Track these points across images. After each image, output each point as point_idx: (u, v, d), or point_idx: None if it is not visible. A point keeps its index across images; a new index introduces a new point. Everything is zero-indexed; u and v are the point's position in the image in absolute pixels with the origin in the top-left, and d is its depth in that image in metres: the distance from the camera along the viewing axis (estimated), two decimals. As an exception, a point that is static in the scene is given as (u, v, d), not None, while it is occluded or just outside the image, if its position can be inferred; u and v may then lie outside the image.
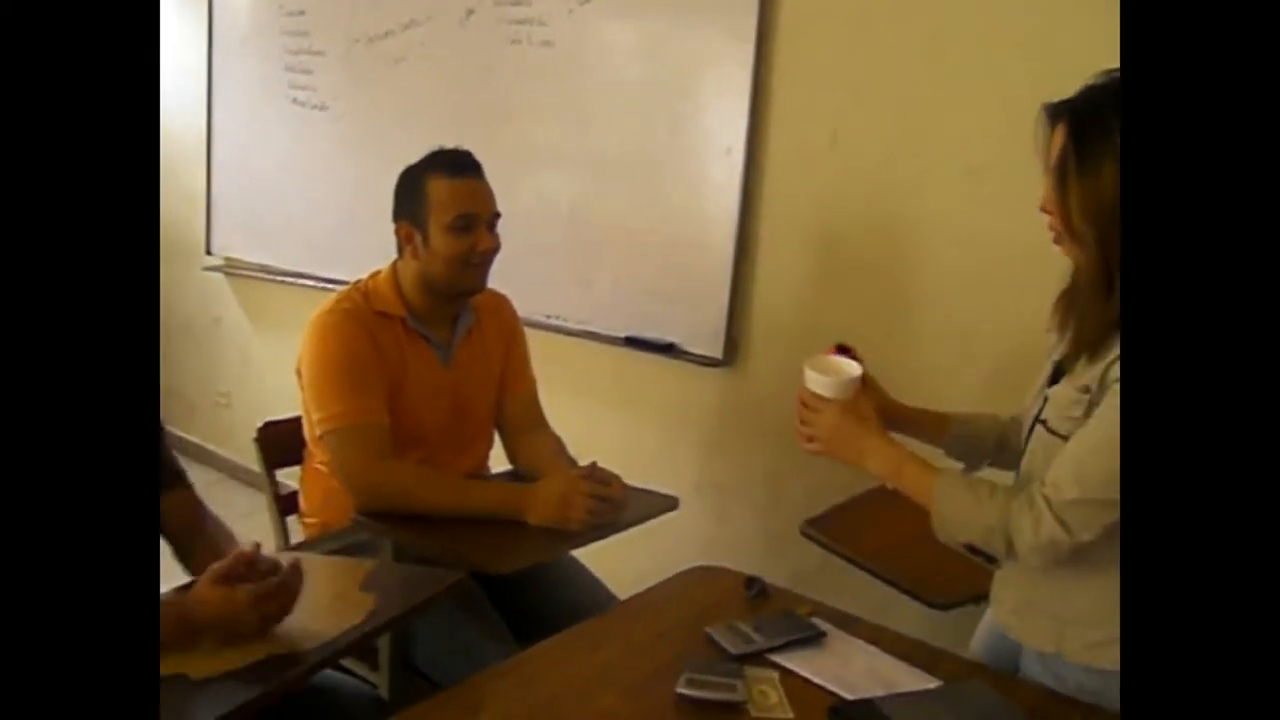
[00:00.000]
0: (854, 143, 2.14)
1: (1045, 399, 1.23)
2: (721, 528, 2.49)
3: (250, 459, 1.94)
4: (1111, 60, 1.02)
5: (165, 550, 1.43)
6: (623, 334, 2.51)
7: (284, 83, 3.26)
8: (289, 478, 1.92)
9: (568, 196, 2.59)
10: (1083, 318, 1.17)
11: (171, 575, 1.37)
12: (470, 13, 2.70)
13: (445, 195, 1.71)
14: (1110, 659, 1.17)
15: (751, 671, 1.20)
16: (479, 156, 1.77)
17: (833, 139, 2.16)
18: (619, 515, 1.64)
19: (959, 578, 1.50)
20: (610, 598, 1.78)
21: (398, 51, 2.91)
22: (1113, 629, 1.14)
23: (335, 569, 1.39)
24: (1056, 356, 1.25)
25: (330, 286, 2.78)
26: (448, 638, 1.62)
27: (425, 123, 2.82)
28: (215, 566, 1.17)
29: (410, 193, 1.75)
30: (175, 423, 4.00)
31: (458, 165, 1.74)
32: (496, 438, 1.96)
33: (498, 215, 1.78)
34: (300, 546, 1.80)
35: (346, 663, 1.64)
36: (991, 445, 1.44)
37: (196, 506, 1.45)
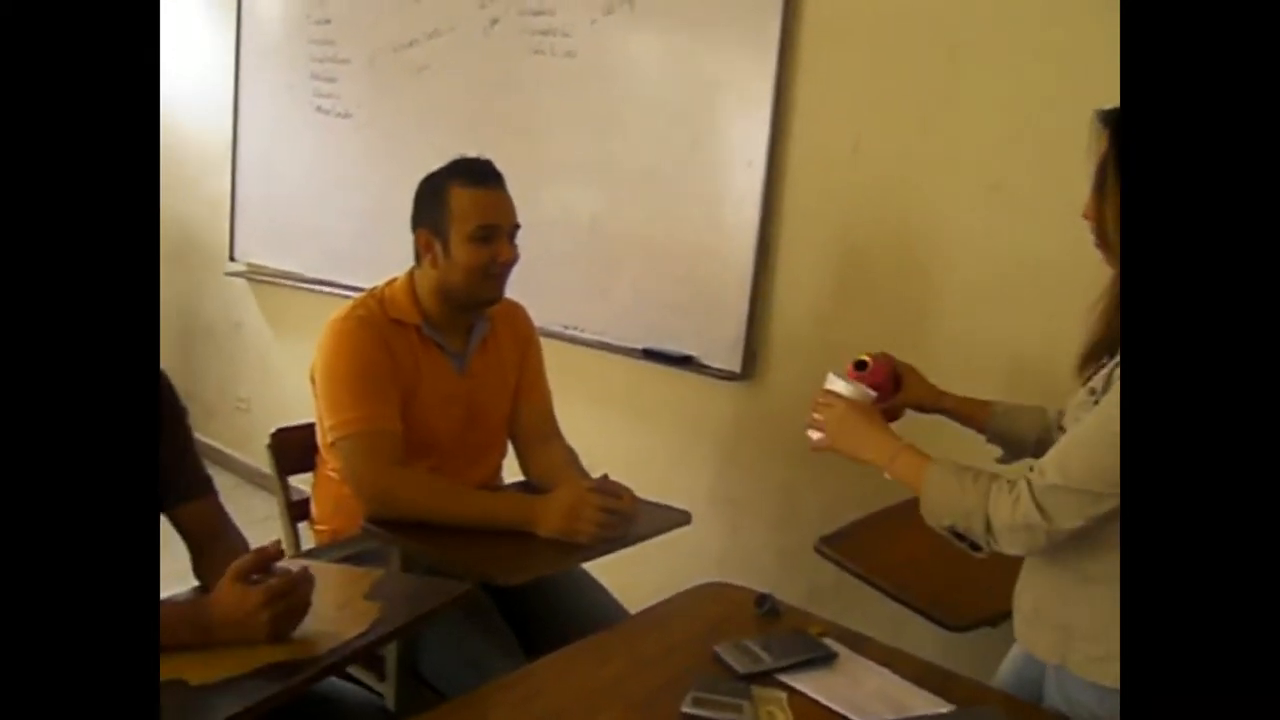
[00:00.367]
0: (875, 155, 2.12)
1: None
2: (736, 542, 2.46)
3: (268, 464, 1.93)
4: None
5: (186, 557, 1.43)
6: (641, 346, 2.49)
7: (309, 90, 3.29)
8: (304, 483, 1.92)
9: (588, 207, 2.59)
10: (1101, 325, 1.18)
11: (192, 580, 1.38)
12: (494, 22, 2.71)
13: (467, 205, 1.71)
14: (1112, 676, 1.15)
15: (759, 692, 1.18)
16: (499, 166, 1.77)
17: (854, 151, 2.15)
18: (629, 528, 1.62)
19: (976, 599, 1.48)
20: (621, 611, 1.76)
21: (421, 60, 2.92)
22: (1115, 645, 1.12)
23: (341, 577, 1.38)
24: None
25: (351, 293, 2.76)
26: (455, 649, 1.60)
27: (447, 131, 2.83)
28: (236, 564, 1.17)
29: (431, 201, 1.74)
30: (195, 427, 4.02)
31: (480, 175, 1.73)
32: (510, 448, 1.95)
33: (518, 226, 1.77)
34: (310, 553, 1.79)
35: (354, 672, 1.63)
36: (1033, 439, 1.45)
37: (219, 515, 1.45)
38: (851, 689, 1.22)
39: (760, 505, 2.42)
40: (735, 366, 2.34)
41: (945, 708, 1.18)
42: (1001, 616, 1.38)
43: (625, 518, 1.61)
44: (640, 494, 1.71)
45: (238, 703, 1.03)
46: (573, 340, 2.60)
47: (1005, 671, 1.38)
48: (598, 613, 1.72)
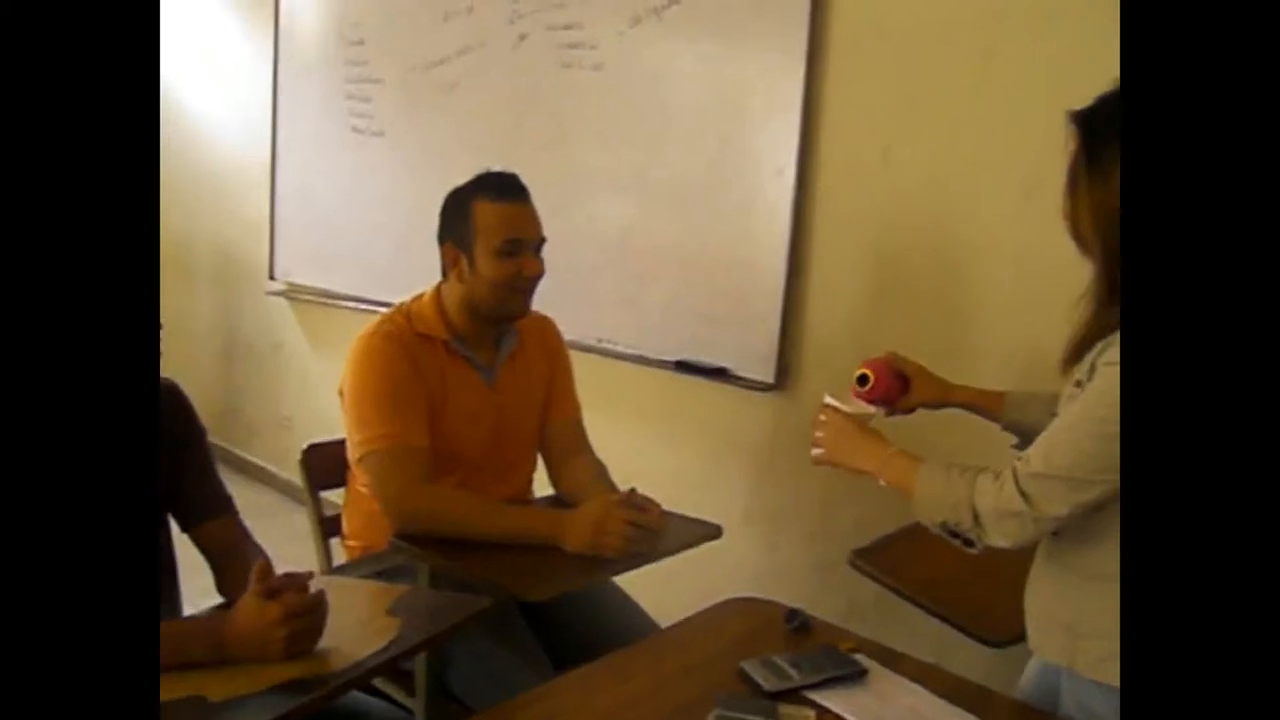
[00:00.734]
0: (907, 161, 2.09)
1: None
2: (772, 557, 2.42)
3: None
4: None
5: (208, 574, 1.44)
6: (673, 358, 2.47)
7: (344, 110, 3.33)
8: (339, 498, 1.92)
9: (618, 219, 2.58)
10: (1081, 323, 1.18)
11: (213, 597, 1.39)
12: (522, 38, 2.72)
13: (492, 219, 1.70)
14: (1116, 675, 1.13)
15: (786, 709, 1.15)
16: (530, 179, 1.76)
17: (885, 157, 2.11)
18: (656, 542, 1.60)
19: (1015, 613, 1.43)
20: (653, 627, 1.73)
21: (452, 77, 2.94)
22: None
23: (365, 593, 1.38)
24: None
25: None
26: (484, 664, 1.59)
27: (478, 147, 2.84)
28: (260, 580, 1.17)
29: (456, 215, 1.74)
30: (238, 444, 4.09)
31: (505, 189, 1.73)
32: (541, 463, 1.94)
33: (543, 240, 1.76)
34: (341, 569, 1.80)
35: (384, 688, 1.63)
36: (1046, 425, 1.41)
37: (240, 533, 1.46)
38: (882, 707, 1.18)
39: (797, 518, 2.38)
40: (769, 377, 2.31)
41: (980, 726, 1.15)
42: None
43: (652, 531, 1.59)
44: (675, 508, 1.69)
45: (256, 718, 1.03)
46: (605, 353, 2.59)
47: (1027, 681, 1.34)
48: (629, 628, 1.70)
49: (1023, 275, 1.93)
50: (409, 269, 2.99)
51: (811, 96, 2.18)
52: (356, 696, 1.45)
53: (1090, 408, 1.10)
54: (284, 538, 1.49)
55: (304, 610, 1.15)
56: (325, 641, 1.17)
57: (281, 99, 3.59)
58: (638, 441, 2.56)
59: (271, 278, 3.75)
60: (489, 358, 1.82)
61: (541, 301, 1.82)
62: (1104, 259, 1.14)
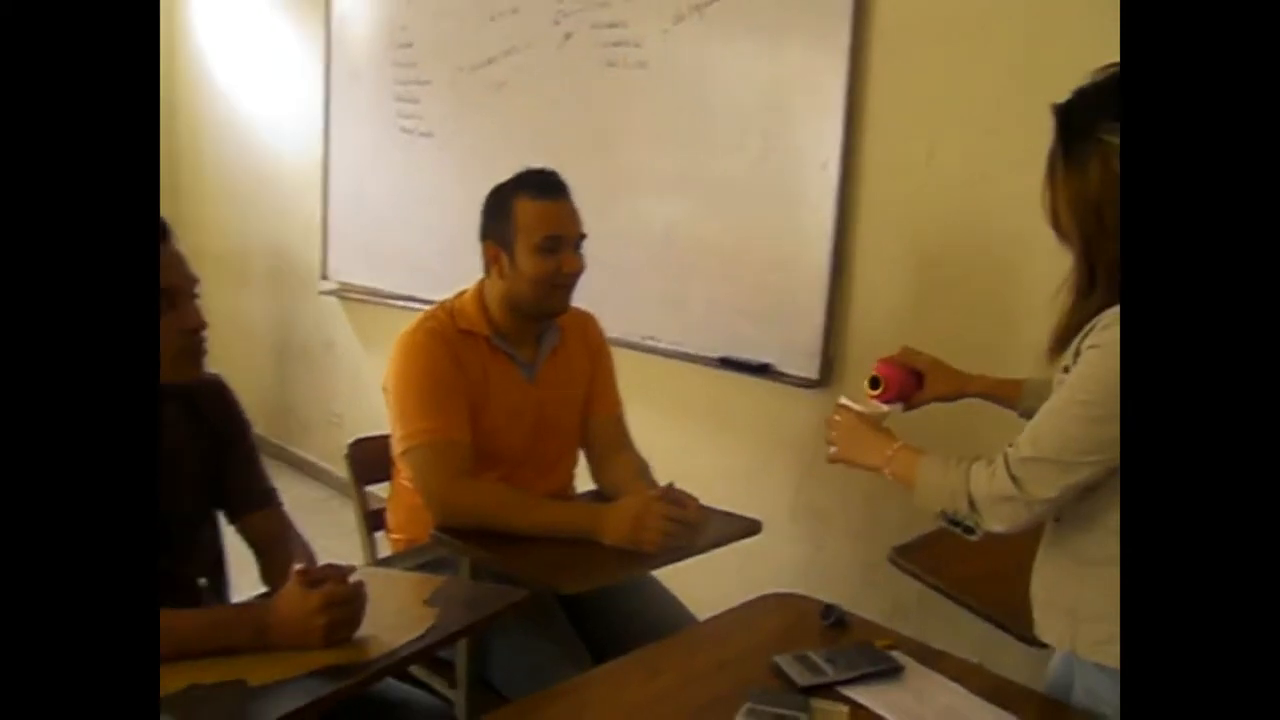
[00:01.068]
0: (952, 156, 2.06)
1: None
2: (817, 555, 2.41)
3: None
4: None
5: (253, 564, 1.48)
6: (717, 354, 2.47)
7: (393, 112, 3.37)
8: (385, 492, 1.95)
9: (662, 216, 2.58)
10: (1063, 313, 1.20)
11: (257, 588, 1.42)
12: (568, 37, 2.74)
13: (533, 216, 1.72)
14: (1116, 657, 1.12)
15: (819, 705, 1.14)
16: (575, 178, 1.77)
17: (930, 152, 2.09)
18: (695, 537, 1.60)
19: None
20: (691, 620, 1.73)
21: (499, 77, 2.97)
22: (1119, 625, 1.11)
23: (404, 583, 1.40)
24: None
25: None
26: (523, 656, 1.60)
27: (524, 146, 2.86)
28: (303, 571, 1.19)
29: (497, 213, 1.76)
30: (291, 441, 4.17)
31: (545, 186, 1.75)
32: (583, 458, 1.95)
33: (583, 236, 1.78)
34: (385, 562, 1.83)
35: (426, 679, 1.65)
36: None
37: (283, 525, 1.49)
38: (918, 704, 1.17)
39: (842, 515, 2.36)
40: (813, 374, 2.29)
41: (1018, 725, 1.13)
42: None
43: (691, 526, 1.59)
44: (720, 505, 1.68)
45: (294, 702, 1.05)
46: (650, 350, 2.59)
47: (1051, 670, 1.32)
48: (668, 622, 1.70)
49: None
50: (458, 268, 3.01)
51: (855, 92, 2.16)
52: (399, 687, 1.48)
53: (1075, 391, 1.12)
54: (334, 532, 1.52)
55: (343, 600, 1.18)
56: (364, 630, 1.20)
57: (333, 102, 3.65)
58: (682, 439, 2.56)
59: (324, 278, 3.81)
60: (530, 354, 1.83)
61: (586, 299, 1.83)
62: (1082, 248, 1.17)
